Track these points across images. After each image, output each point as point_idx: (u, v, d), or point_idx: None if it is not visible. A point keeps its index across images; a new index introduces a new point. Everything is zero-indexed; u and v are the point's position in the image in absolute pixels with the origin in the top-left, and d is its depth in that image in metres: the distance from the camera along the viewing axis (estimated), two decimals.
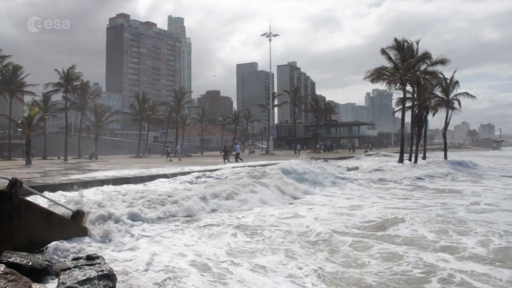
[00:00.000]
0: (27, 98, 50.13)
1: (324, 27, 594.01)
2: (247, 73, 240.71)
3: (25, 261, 5.74)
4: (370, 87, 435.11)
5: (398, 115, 40.19)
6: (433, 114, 45.46)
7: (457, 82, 41.44)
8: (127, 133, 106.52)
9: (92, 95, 53.73)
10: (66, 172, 19.10)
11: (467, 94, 42.20)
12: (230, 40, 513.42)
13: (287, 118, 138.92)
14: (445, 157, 44.16)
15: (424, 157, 47.07)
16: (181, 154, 43.06)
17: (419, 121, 41.81)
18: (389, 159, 41.68)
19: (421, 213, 11.57)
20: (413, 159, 37.73)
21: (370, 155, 51.90)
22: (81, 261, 5.81)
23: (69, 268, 5.59)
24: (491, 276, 6.21)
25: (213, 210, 11.76)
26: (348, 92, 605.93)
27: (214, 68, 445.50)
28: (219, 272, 6.38)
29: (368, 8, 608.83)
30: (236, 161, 30.79)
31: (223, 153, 34.02)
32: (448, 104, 41.31)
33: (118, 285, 5.55)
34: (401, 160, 35.70)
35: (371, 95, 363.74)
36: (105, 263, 5.82)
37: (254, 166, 22.57)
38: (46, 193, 9.91)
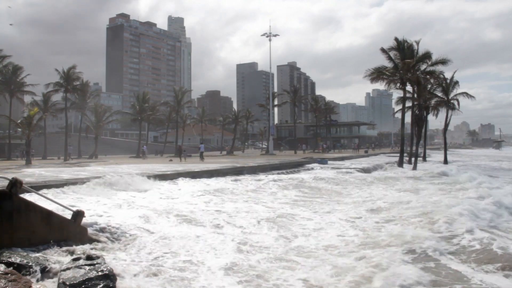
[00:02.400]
0: (27, 98, 50.20)
1: (325, 27, 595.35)
2: (247, 73, 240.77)
3: (25, 261, 5.74)
4: (370, 87, 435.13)
5: (398, 115, 40.09)
6: (436, 115, 45.31)
7: (457, 82, 41.41)
8: (127, 133, 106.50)
9: (92, 95, 53.73)
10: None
11: (467, 94, 42.19)
12: (231, 40, 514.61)
13: (287, 118, 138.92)
14: (445, 160, 42.78)
15: (424, 158, 47.03)
16: (146, 154, 47.69)
17: (419, 121, 41.76)
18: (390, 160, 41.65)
19: None
20: (415, 161, 36.71)
21: (369, 155, 51.93)
22: (81, 261, 5.81)
23: (69, 268, 5.59)
24: None
25: None
26: (348, 92, 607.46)
27: (214, 68, 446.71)
28: None
29: (370, 8, 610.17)
30: (201, 159, 35.53)
31: (178, 153, 40.83)
32: (448, 104, 41.27)
33: None
34: (400, 164, 34.40)
35: (371, 95, 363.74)
36: (105, 263, 5.81)
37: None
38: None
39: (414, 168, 33.32)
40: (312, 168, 28.70)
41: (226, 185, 16.94)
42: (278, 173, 23.68)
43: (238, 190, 16.14)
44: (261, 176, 21.65)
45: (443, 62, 33.64)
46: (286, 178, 20.54)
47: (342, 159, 40.16)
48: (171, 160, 37.71)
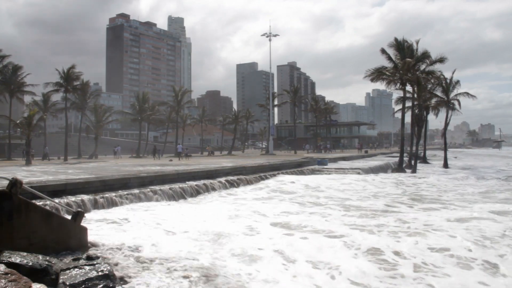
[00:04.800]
0: (27, 98, 50.13)
1: (326, 27, 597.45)
2: (247, 73, 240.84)
3: (25, 261, 5.73)
4: (370, 87, 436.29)
5: (398, 115, 39.98)
6: (436, 115, 45.21)
7: (457, 82, 41.30)
8: (127, 133, 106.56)
9: (92, 95, 53.71)
10: None
11: (467, 94, 42.11)
12: (232, 40, 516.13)
13: (287, 118, 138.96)
14: (445, 164, 41.81)
15: (424, 159, 46.94)
16: (119, 155, 50.05)
17: (419, 121, 41.71)
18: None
19: None
20: (414, 164, 36.35)
21: (370, 156, 51.92)
22: (81, 261, 5.82)
23: (69, 268, 5.59)
24: None
25: None
26: (348, 92, 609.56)
27: (215, 68, 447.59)
28: None
29: (371, 7, 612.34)
30: (179, 159, 38.20)
31: (153, 152, 45.42)
32: (448, 104, 41.22)
33: None
34: (400, 167, 33.92)
35: (371, 95, 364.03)
36: (105, 263, 5.82)
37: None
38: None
39: (414, 171, 33.29)
40: (318, 171, 28.74)
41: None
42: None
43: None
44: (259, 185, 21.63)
45: (441, 60, 33.67)
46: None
47: (343, 159, 40.28)
48: (171, 160, 37.72)
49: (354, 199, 16.23)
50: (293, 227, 10.47)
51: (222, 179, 19.29)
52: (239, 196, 16.80)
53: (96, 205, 12.31)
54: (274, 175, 23.67)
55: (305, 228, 10.35)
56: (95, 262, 5.77)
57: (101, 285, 5.31)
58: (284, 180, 22.01)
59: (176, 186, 16.20)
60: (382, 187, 21.10)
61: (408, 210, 13.93)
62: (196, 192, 16.61)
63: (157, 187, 15.43)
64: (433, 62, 33.85)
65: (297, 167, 29.20)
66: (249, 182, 20.70)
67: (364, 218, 11.95)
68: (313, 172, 27.90)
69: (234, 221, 11.17)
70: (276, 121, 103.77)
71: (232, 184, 19.23)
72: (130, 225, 10.05)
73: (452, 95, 41.17)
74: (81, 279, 5.31)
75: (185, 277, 6.17)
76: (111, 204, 12.76)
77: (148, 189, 14.91)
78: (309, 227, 10.34)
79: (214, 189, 17.76)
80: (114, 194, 13.42)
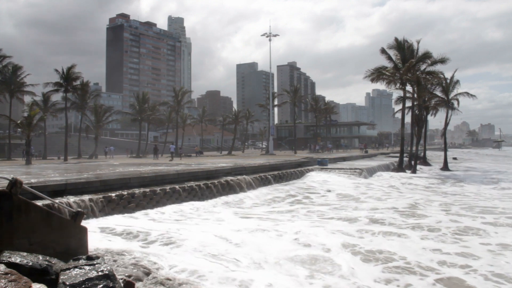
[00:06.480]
0: (27, 98, 50.18)
1: (327, 27, 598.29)
2: (247, 73, 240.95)
3: (25, 261, 5.72)
4: (370, 87, 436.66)
5: (398, 115, 40.00)
6: (434, 115, 45.28)
7: (457, 82, 41.26)
8: (127, 133, 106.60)
9: (92, 95, 53.73)
10: None
11: (467, 93, 42.08)
12: (232, 40, 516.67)
13: (287, 118, 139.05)
14: (445, 165, 41.31)
15: (424, 159, 46.92)
16: (110, 155, 51.39)
17: (419, 121, 41.70)
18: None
19: None
20: (414, 164, 36.42)
21: (370, 156, 51.92)
22: (81, 261, 5.80)
23: (69, 268, 5.58)
24: None
25: None
26: (349, 92, 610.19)
27: (215, 68, 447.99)
28: None
29: (372, 7, 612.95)
30: (173, 159, 39.15)
31: (154, 152, 46.04)
32: (448, 104, 41.18)
33: None
34: (400, 167, 33.92)
35: (371, 95, 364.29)
36: (105, 263, 5.81)
37: None
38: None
39: (414, 171, 33.35)
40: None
41: None
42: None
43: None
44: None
45: (442, 61, 33.60)
46: None
47: (343, 159, 40.31)
48: (171, 160, 37.71)
49: (405, 212, 14.76)
50: (384, 260, 8.54)
51: (223, 179, 19.27)
52: (257, 210, 15.11)
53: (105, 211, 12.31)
54: (280, 179, 23.65)
55: (389, 260, 8.53)
56: (95, 262, 5.76)
57: (101, 285, 5.30)
58: (312, 188, 21.21)
59: (176, 186, 16.19)
60: (425, 194, 20.42)
61: (485, 229, 11.79)
62: (196, 196, 16.48)
63: (157, 188, 15.44)
64: (434, 63, 33.80)
65: (297, 167, 29.16)
66: (259, 185, 20.58)
67: (442, 244, 10.00)
68: (314, 172, 27.87)
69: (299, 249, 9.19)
70: (276, 121, 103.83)
71: (234, 189, 18.81)
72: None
73: (452, 95, 41.15)
74: (81, 279, 5.30)
75: None
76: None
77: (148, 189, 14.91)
78: (398, 262, 8.39)
79: (217, 193, 17.53)
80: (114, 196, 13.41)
